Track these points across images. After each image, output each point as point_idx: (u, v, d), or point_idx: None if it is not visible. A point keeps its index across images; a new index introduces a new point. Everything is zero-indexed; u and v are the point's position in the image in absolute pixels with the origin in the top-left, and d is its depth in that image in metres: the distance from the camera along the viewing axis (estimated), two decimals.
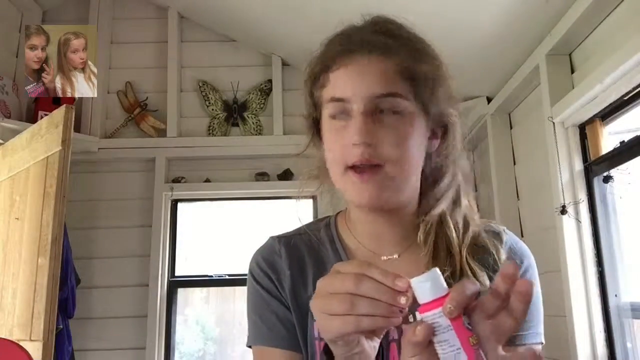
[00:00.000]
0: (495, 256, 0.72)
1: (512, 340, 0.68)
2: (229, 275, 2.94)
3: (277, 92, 3.06)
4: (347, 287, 0.50)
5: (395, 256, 0.74)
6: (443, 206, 0.74)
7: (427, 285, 0.49)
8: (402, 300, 0.49)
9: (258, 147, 2.98)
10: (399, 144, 0.67)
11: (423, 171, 0.74)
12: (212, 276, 2.94)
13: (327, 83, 0.70)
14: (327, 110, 0.71)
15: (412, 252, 0.74)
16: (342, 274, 0.51)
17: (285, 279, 0.75)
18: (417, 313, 0.50)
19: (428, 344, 0.48)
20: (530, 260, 0.75)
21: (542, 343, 0.72)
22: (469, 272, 0.68)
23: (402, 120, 0.68)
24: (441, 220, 0.73)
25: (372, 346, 0.56)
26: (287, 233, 0.81)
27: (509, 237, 0.76)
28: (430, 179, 0.76)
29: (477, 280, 0.67)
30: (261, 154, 2.98)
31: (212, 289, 3.06)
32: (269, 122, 3.05)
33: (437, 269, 0.50)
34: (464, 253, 0.70)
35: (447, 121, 0.74)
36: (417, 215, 0.75)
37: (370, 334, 0.53)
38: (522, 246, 0.77)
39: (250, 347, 0.77)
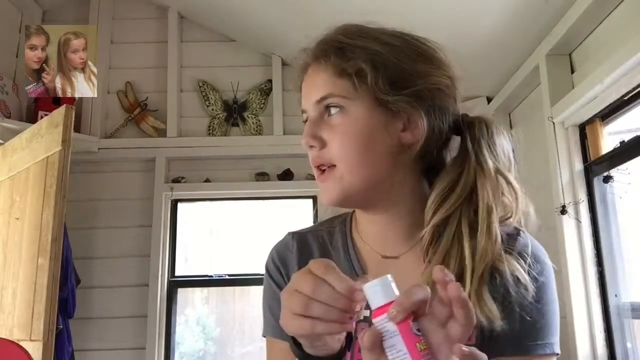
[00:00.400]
0: (508, 270, 0.65)
1: (523, 350, 0.66)
2: (229, 275, 2.94)
3: (277, 92, 3.06)
4: (305, 289, 0.52)
5: (395, 255, 0.74)
6: (442, 211, 0.68)
7: (378, 290, 0.49)
8: (356, 308, 0.51)
9: (258, 147, 2.98)
10: (345, 143, 0.69)
11: (422, 165, 0.73)
12: (212, 276, 2.94)
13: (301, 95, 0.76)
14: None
15: (416, 252, 0.72)
16: (305, 275, 0.53)
17: (293, 274, 0.75)
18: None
19: (382, 350, 0.48)
20: (544, 266, 0.69)
21: (556, 354, 0.68)
22: (477, 303, 0.62)
23: (347, 118, 0.69)
24: (452, 230, 0.67)
25: (336, 339, 0.58)
26: (304, 229, 0.83)
27: (523, 239, 0.70)
28: (442, 175, 0.71)
29: (485, 313, 0.62)
30: (261, 154, 2.98)
31: (212, 289, 3.06)
32: (269, 122, 3.05)
33: (390, 275, 0.50)
34: (475, 282, 0.63)
35: (412, 108, 0.69)
36: (422, 215, 0.70)
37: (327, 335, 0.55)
38: (536, 251, 0.70)
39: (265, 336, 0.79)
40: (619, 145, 1.77)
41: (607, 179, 1.84)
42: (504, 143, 0.73)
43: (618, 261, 1.83)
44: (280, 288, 0.75)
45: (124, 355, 2.74)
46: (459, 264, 0.65)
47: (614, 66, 1.59)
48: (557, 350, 0.69)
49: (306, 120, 0.74)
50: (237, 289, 3.02)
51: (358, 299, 0.51)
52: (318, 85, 0.71)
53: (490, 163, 0.69)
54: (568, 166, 1.94)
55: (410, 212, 0.73)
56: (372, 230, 0.76)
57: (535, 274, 0.67)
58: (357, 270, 0.74)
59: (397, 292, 0.49)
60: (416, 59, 0.71)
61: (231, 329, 3.06)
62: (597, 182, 1.90)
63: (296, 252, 0.78)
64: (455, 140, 0.74)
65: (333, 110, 0.70)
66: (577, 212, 1.89)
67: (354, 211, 0.81)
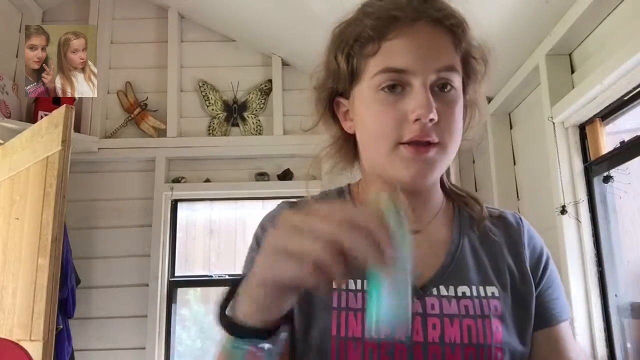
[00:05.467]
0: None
1: (549, 321, 0.71)
2: (229, 275, 2.94)
3: (277, 92, 3.06)
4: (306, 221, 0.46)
5: (417, 231, 0.71)
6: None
7: None
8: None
9: (258, 147, 2.98)
10: (453, 122, 0.65)
11: None
12: (212, 276, 2.94)
13: (377, 52, 0.65)
14: (374, 81, 0.65)
15: (433, 227, 0.73)
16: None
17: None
18: None
19: None
20: (545, 247, 0.78)
21: (570, 318, 0.74)
22: None
23: (456, 96, 0.66)
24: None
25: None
26: (298, 200, 0.78)
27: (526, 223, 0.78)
28: None
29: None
30: (261, 154, 2.99)
31: (212, 289, 3.06)
32: (269, 122, 3.05)
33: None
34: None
35: (473, 101, 0.72)
36: (440, 192, 0.76)
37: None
38: (536, 233, 0.78)
39: None
40: (619, 145, 1.77)
41: (607, 179, 1.84)
42: None
43: (618, 261, 1.83)
44: None
45: (124, 355, 2.74)
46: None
47: (614, 66, 1.59)
48: (570, 314, 0.75)
49: (386, 87, 0.64)
50: None
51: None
52: (441, 51, 0.65)
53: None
54: (568, 166, 1.94)
55: (436, 194, 0.75)
56: None
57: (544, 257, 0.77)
58: None
59: None
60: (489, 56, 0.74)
61: None
62: (597, 182, 1.90)
63: None
64: None
65: (448, 85, 0.65)
66: (577, 212, 1.89)
67: (349, 185, 0.79)
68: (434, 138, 0.63)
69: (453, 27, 0.66)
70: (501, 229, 0.74)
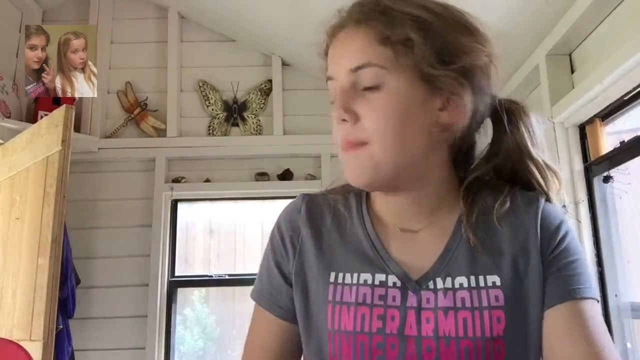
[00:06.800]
0: (528, 231, 0.66)
1: (570, 294, 0.64)
2: (229, 275, 2.94)
3: (277, 92, 3.06)
4: None
5: (414, 229, 0.70)
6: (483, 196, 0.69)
7: None
8: None
9: (258, 147, 2.99)
10: (382, 119, 0.63)
11: (454, 147, 0.70)
12: (212, 276, 2.94)
13: (327, 64, 0.70)
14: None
15: (436, 227, 0.70)
16: None
17: (299, 237, 0.73)
18: None
19: None
20: (567, 225, 0.68)
21: (597, 300, 0.66)
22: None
23: (385, 92, 0.63)
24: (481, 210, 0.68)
25: None
26: (318, 192, 0.79)
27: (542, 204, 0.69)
28: (481, 161, 0.72)
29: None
30: (261, 154, 2.99)
31: (212, 289, 3.06)
32: (269, 122, 3.05)
33: None
34: None
35: (456, 86, 0.64)
36: (447, 195, 0.70)
37: None
38: (556, 212, 0.69)
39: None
40: (619, 145, 1.77)
41: (607, 179, 1.84)
42: (538, 127, 0.72)
43: (618, 261, 1.83)
44: (275, 258, 0.74)
45: (124, 355, 2.74)
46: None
47: (614, 66, 1.59)
48: (598, 296, 0.66)
49: (331, 96, 0.69)
50: (237, 289, 3.02)
51: None
52: (355, 51, 0.64)
53: (533, 149, 0.69)
54: (568, 166, 1.94)
55: (435, 193, 0.70)
56: (388, 207, 0.72)
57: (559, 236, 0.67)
58: (372, 238, 0.70)
59: None
60: (461, 31, 0.66)
61: (231, 329, 3.06)
62: (597, 182, 1.90)
63: (305, 214, 0.74)
64: (486, 122, 0.72)
65: (366, 81, 0.64)
66: (577, 212, 1.89)
67: None
68: (354, 138, 0.64)
69: (372, 21, 0.64)
70: (512, 212, 0.68)
